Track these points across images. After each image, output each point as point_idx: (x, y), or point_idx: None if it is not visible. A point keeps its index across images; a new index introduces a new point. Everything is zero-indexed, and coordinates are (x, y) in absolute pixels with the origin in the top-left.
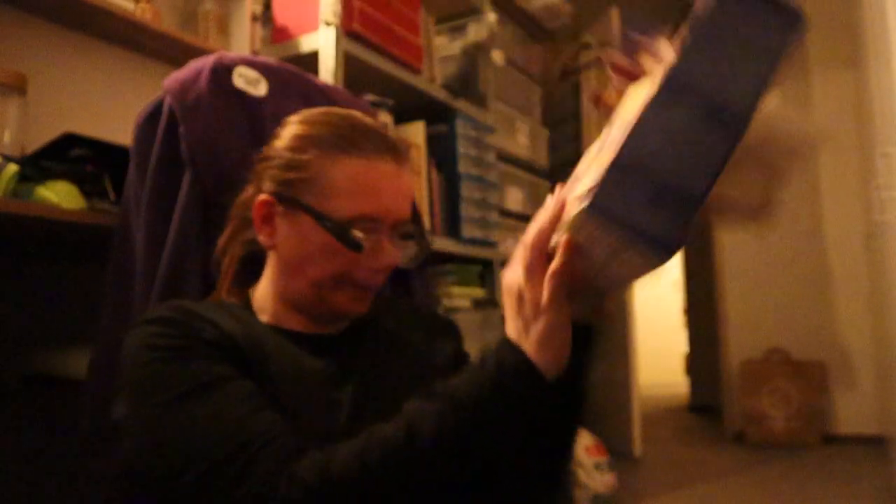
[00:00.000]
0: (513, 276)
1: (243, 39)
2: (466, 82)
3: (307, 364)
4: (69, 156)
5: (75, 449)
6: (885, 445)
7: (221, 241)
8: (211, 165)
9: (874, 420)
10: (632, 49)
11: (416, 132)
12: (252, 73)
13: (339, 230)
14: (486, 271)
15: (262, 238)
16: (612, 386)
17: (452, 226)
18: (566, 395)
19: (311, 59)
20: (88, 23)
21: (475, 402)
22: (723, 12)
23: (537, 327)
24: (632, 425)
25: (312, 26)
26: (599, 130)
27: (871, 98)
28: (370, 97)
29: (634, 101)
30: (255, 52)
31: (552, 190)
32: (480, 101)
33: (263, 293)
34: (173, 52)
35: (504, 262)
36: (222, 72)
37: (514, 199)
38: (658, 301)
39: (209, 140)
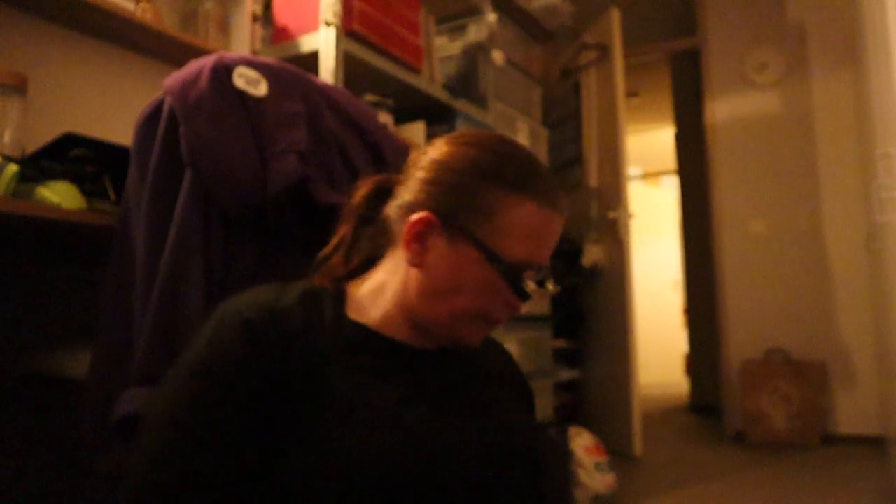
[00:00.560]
0: None
1: (243, 39)
2: (467, 82)
3: (377, 385)
4: (69, 156)
5: (75, 449)
6: (885, 445)
7: (340, 235)
8: (211, 165)
9: (874, 420)
10: None
11: (416, 132)
12: (252, 74)
13: (512, 275)
14: None
15: (408, 254)
16: (613, 386)
17: None
18: None
19: (312, 59)
20: (88, 23)
21: None
22: None
23: None
24: (632, 425)
25: (313, 26)
26: (599, 130)
27: (871, 98)
28: (370, 97)
29: None
30: (255, 53)
31: None
32: (480, 101)
33: (374, 298)
34: (173, 52)
35: None
36: (223, 72)
37: None
38: (658, 301)
39: (209, 140)
